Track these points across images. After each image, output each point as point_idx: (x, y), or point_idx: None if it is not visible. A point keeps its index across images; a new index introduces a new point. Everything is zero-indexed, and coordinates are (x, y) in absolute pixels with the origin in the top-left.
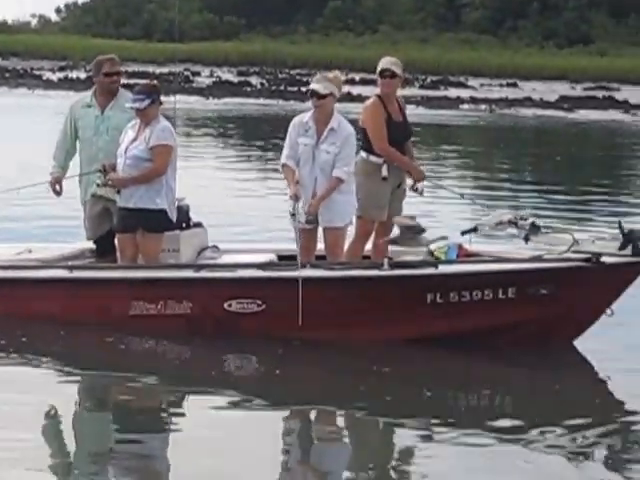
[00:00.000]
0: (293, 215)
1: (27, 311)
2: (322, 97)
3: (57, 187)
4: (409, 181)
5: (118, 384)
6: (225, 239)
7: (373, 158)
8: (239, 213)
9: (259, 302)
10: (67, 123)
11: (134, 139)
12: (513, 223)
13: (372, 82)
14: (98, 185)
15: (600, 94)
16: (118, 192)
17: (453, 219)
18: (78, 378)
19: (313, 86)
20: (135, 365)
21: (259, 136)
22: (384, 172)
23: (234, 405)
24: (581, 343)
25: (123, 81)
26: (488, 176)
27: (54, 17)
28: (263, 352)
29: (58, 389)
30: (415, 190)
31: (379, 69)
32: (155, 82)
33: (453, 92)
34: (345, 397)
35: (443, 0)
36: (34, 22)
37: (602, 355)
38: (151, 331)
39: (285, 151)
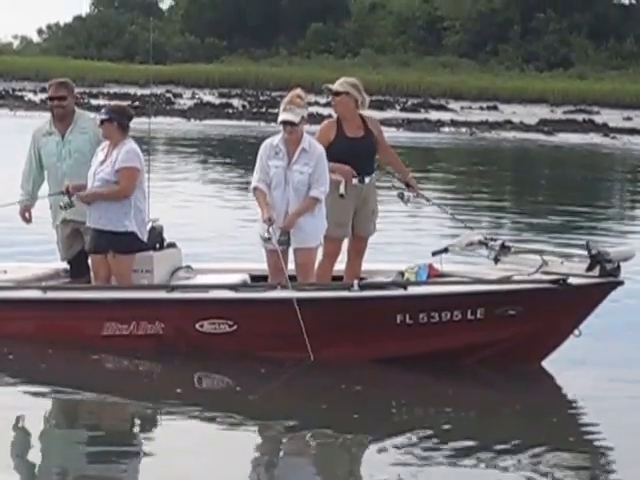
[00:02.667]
0: (268, 239)
1: (1, 331)
2: (296, 125)
3: (27, 215)
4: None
5: (89, 403)
6: (200, 259)
7: (331, 175)
8: (215, 233)
9: (230, 322)
10: (31, 152)
11: (102, 161)
12: (483, 244)
13: None
14: (61, 207)
15: (580, 117)
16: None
17: (430, 236)
18: (49, 396)
19: (285, 117)
20: (107, 384)
21: (240, 158)
22: (341, 189)
23: (204, 423)
24: (549, 363)
25: (103, 102)
26: (467, 198)
27: (36, 38)
28: (234, 371)
29: (28, 407)
30: (402, 198)
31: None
32: (125, 105)
33: (434, 115)
34: (314, 415)
35: (424, 23)
36: (16, 43)
37: (570, 375)
38: (124, 351)
39: (256, 174)
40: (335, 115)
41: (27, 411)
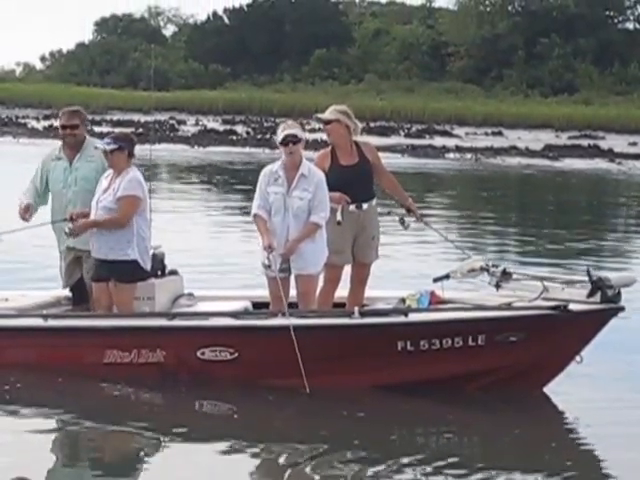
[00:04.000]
0: (268, 266)
1: (2, 359)
2: (298, 141)
3: (27, 215)
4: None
5: (91, 432)
6: (202, 286)
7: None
8: (217, 260)
9: (231, 350)
10: (37, 175)
11: (105, 190)
12: (485, 270)
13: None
14: (66, 233)
15: (585, 143)
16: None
17: (432, 262)
18: (51, 425)
19: (289, 131)
20: (108, 412)
21: (244, 184)
22: (338, 216)
23: (207, 449)
24: (551, 389)
25: (107, 130)
26: (471, 223)
27: (39, 65)
28: (235, 397)
29: (30, 436)
30: (402, 223)
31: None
32: (129, 132)
33: (439, 141)
34: (314, 441)
35: (428, 49)
36: (19, 70)
37: (571, 401)
38: (125, 379)
39: (256, 202)
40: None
41: (26, 442)
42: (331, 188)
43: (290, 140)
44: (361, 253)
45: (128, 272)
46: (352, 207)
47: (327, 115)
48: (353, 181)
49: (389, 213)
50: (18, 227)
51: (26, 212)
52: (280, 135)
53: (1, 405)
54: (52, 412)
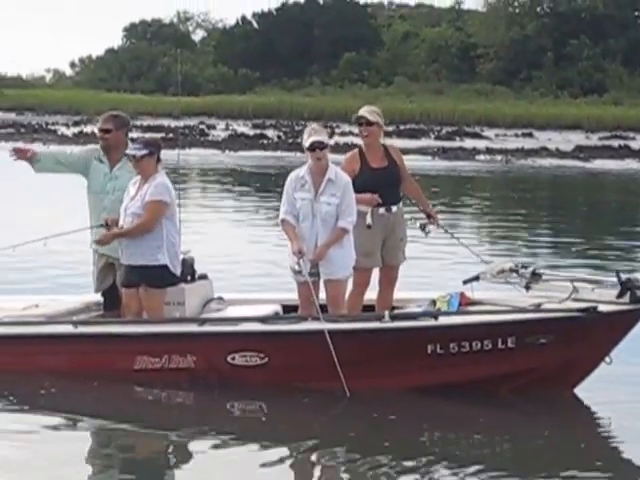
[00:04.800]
0: (298, 272)
1: (33, 366)
2: (325, 147)
3: (24, 156)
4: (417, 223)
5: (124, 434)
6: (232, 289)
7: (358, 206)
8: (247, 263)
9: (262, 355)
10: (80, 157)
11: (134, 196)
12: (514, 271)
13: (387, 133)
14: (95, 241)
15: (616, 143)
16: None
17: (462, 265)
18: (84, 428)
19: (316, 138)
20: (141, 415)
21: (274, 189)
22: (368, 220)
23: (239, 452)
24: (581, 391)
25: (137, 135)
26: (503, 225)
27: (68, 71)
28: (266, 400)
29: (63, 439)
30: (423, 229)
31: (355, 117)
32: (157, 137)
33: (469, 143)
34: (347, 443)
35: (457, 51)
36: (48, 77)
37: (601, 402)
38: (155, 385)
39: (283, 207)
40: (363, 144)
41: (63, 440)
42: (361, 191)
43: (317, 146)
44: (390, 255)
45: (158, 277)
46: (382, 210)
47: (369, 116)
48: (383, 184)
49: (410, 219)
50: (57, 232)
51: (26, 153)
52: (307, 141)
53: (36, 410)
54: (85, 416)
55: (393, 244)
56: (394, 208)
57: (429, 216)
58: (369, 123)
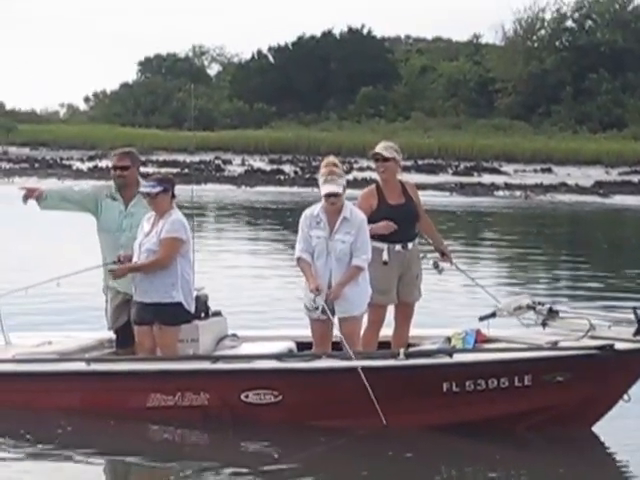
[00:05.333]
0: (316, 309)
1: (46, 404)
2: (339, 195)
3: (32, 196)
4: (431, 261)
5: (138, 472)
6: (246, 326)
7: (374, 243)
8: (261, 299)
9: (275, 393)
10: (90, 195)
11: (148, 232)
12: (531, 308)
13: (405, 168)
14: (110, 271)
15: (636, 178)
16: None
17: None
18: (100, 467)
19: (330, 189)
20: (154, 452)
21: (290, 225)
22: (385, 256)
23: None
24: (599, 428)
25: (152, 170)
26: (522, 261)
27: (82, 106)
28: (278, 438)
29: (80, 477)
30: (436, 267)
31: (371, 153)
32: (169, 174)
33: (487, 178)
34: None
35: (475, 85)
36: (62, 111)
37: (620, 440)
38: (168, 422)
39: (299, 245)
40: (380, 180)
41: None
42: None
43: (331, 196)
44: (406, 292)
45: (173, 315)
46: (398, 247)
47: (385, 152)
48: (401, 221)
49: (424, 257)
50: (72, 271)
51: (34, 192)
52: (322, 188)
53: (53, 448)
54: (101, 454)
55: (409, 281)
56: (410, 245)
57: (443, 254)
58: (385, 159)
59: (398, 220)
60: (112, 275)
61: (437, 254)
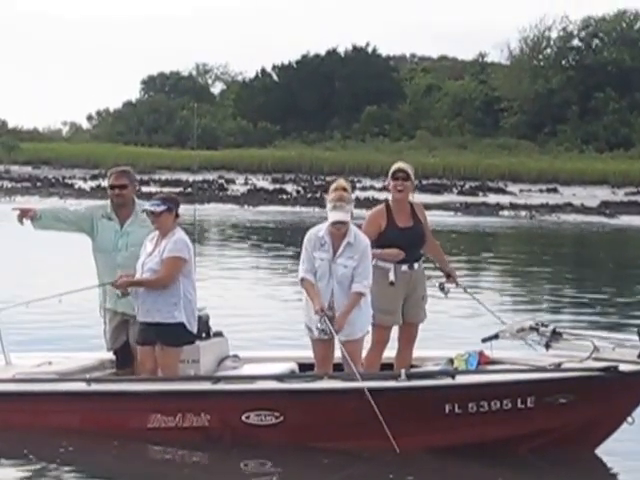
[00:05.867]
0: (322, 330)
1: (46, 424)
2: (346, 223)
3: (25, 216)
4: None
5: None
6: (248, 346)
7: (381, 263)
8: (263, 320)
9: (277, 414)
10: (84, 212)
11: (151, 252)
12: (534, 329)
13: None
14: (118, 296)
15: None
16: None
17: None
18: None
19: (338, 217)
20: (155, 473)
21: (293, 244)
22: (391, 277)
23: None
24: (603, 451)
25: (154, 190)
26: (526, 282)
27: (85, 124)
28: (279, 461)
29: None
30: (442, 289)
31: (392, 170)
32: (173, 193)
33: (492, 198)
34: None
35: (480, 105)
36: (65, 130)
37: (624, 463)
38: (169, 443)
39: (302, 265)
40: (391, 200)
41: None
42: (386, 248)
43: (339, 223)
44: (411, 313)
45: (175, 335)
46: (404, 267)
47: (409, 170)
48: (409, 243)
49: (429, 279)
50: (71, 290)
51: (28, 213)
52: (329, 216)
53: (52, 468)
54: (102, 476)
55: (414, 302)
56: (416, 265)
57: (448, 275)
58: (407, 178)
59: (406, 243)
60: (113, 286)
61: (443, 275)
